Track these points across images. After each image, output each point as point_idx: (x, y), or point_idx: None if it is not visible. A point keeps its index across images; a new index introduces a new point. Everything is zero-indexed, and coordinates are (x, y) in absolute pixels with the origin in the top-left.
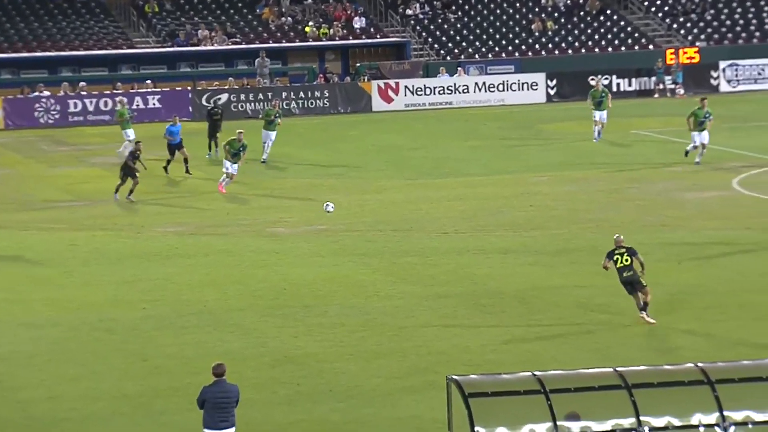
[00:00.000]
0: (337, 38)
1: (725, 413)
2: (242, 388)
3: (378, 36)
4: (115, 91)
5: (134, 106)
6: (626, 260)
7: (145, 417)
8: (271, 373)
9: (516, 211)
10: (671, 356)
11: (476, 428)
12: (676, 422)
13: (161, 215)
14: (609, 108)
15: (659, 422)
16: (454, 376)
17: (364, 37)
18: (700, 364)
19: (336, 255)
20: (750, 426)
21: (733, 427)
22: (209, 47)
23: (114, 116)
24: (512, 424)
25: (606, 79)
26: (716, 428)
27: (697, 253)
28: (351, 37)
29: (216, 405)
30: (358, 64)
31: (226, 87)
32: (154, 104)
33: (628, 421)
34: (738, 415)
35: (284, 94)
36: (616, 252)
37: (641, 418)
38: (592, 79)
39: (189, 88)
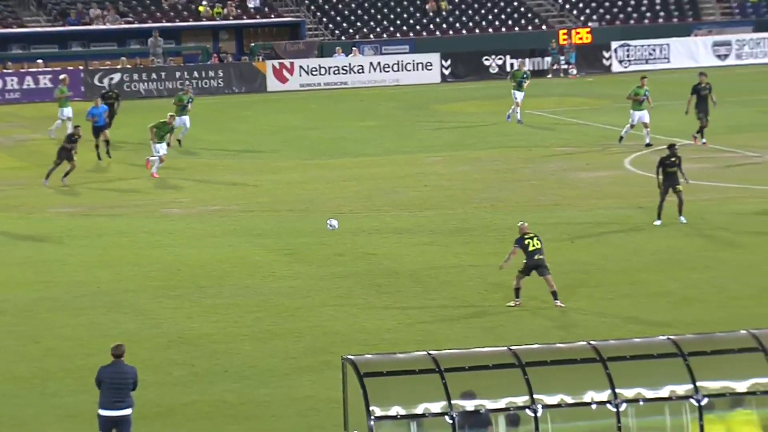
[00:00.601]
0: (231, 18)
1: (617, 390)
2: (137, 370)
3: (272, 16)
4: (5, 70)
5: (25, 86)
6: (536, 244)
7: (38, 399)
8: (166, 354)
9: (411, 191)
10: (564, 334)
11: (371, 407)
12: (569, 399)
13: (53, 196)
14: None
15: (552, 400)
16: (350, 356)
17: (258, 16)
18: (592, 342)
19: (231, 236)
20: (641, 403)
21: (624, 404)
22: (101, 26)
23: (55, 94)
24: (407, 403)
25: (500, 59)
26: (608, 405)
27: (590, 231)
28: (245, 17)
29: (112, 386)
30: (253, 44)
31: (118, 66)
32: (45, 84)
33: (522, 399)
34: (629, 393)
35: (178, 74)
36: (526, 237)
37: (535, 395)
38: (519, 61)
39: (81, 67)
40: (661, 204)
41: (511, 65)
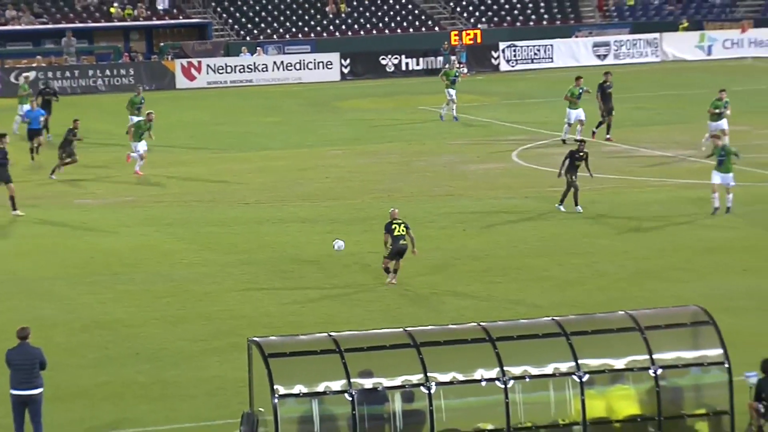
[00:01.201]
0: (141, 19)
1: (505, 368)
2: (52, 353)
3: (181, 17)
4: None
5: None
6: (402, 230)
7: None
8: (81, 338)
9: (313, 182)
10: (455, 316)
11: (275, 386)
12: (461, 377)
13: None
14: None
15: (445, 377)
16: (255, 338)
17: (167, 18)
18: (482, 324)
19: (143, 225)
20: (527, 379)
21: (512, 381)
22: (16, 27)
23: (18, 91)
24: (309, 382)
25: (396, 58)
26: (497, 382)
27: (480, 220)
28: (155, 18)
29: (19, 366)
30: (162, 44)
31: (34, 65)
32: None
33: (417, 377)
34: (516, 370)
35: (91, 72)
36: (394, 223)
37: (429, 374)
38: (453, 59)
39: None
40: (567, 192)
41: (407, 64)
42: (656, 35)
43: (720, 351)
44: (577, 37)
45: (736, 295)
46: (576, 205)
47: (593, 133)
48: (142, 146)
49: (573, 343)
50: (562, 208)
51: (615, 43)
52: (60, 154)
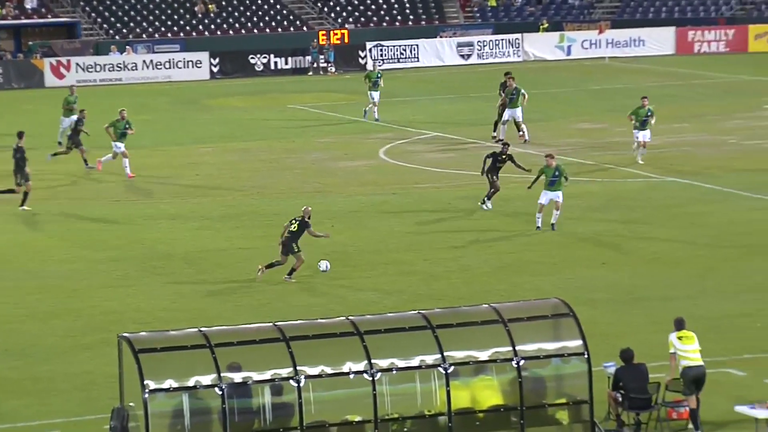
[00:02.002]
0: (9, 18)
1: (373, 361)
2: None
3: (49, 16)
4: None
5: None
6: (295, 227)
7: None
8: None
9: (184, 179)
10: (324, 311)
11: (145, 381)
12: (329, 370)
13: None
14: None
15: (314, 371)
16: (125, 334)
17: (35, 17)
18: (350, 317)
19: (13, 222)
20: (394, 372)
21: (379, 374)
22: None
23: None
24: (180, 376)
25: (264, 57)
26: (365, 375)
27: (350, 216)
28: (23, 17)
29: None
30: (31, 43)
31: None
32: None
33: (286, 371)
34: (384, 363)
35: None
36: (295, 218)
37: (298, 367)
38: (375, 61)
39: None
40: (491, 192)
41: (275, 63)
42: (518, 36)
43: (579, 342)
44: (441, 37)
45: (596, 287)
46: (487, 200)
47: (493, 137)
48: (122, 145)
49: (439, 335)
50: (487, 206)
51: (478, 43)
52: (69, 144)
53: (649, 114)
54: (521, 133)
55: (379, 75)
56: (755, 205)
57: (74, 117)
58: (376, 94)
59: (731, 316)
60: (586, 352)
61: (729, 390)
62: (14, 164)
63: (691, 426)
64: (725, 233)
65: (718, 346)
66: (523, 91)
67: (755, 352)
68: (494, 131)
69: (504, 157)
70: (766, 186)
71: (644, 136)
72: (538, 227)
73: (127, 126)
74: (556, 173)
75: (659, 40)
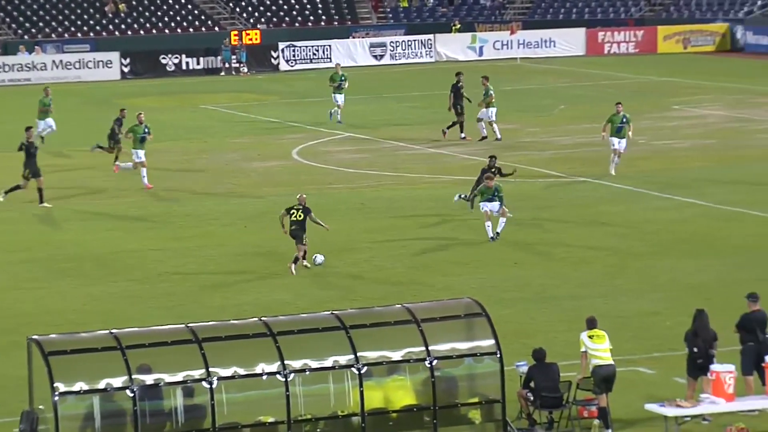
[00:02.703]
0: None
1: (286, 362)
2: None
3: None
4: None
5: None
6: (299, 216)
7: None
8: None
9: (96, 180)
10: (238, 312)
11: (56, 384)
12: (242, 371)
13: None
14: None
15: (227, 372)
16: (35, 336)
17: None
18: (263, 318)
19: None
20: (307, 372)
21: (292, 374)
22: None
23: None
24: (90, 378)
25: (176, 58)
26: (278, 376)
27: (263, 217)
28: None
29: None
30: None
31: None
32: None
33: (198, 372)
34: (297, 363)
35: None
36: (294, 208)
37: (210, 369)
38: (337, 65)
39: None
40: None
41: (187, 63)
42: (430, 36)
43: (492, 341)
44: (354, 37)
45: (508, 287)
46: (469, 204)
47: (444, 132)
48: (142, 155)
49: (352, 336)
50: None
51: (391, 44)
52: (111, 144)
53: (624, 121)
54: (484, 132)
55: (343, 77)
56: (664, 204)
57: (49, 120)
58: (340, 97)
59: (641, 315)
60: (498, 352)
61: (639, 388)
62: (26, 158)
63: (597, 422)
64: (635, 232)
65: (628, 344)
66: (491, 91)
67: (664, 350)
68: (461, 132)
69: (494, 170)
70: (674, 185)
71: (620, 144)
72: (491, 237)
73: (146, 130)
74: (495, 192)
75: (570, 41)
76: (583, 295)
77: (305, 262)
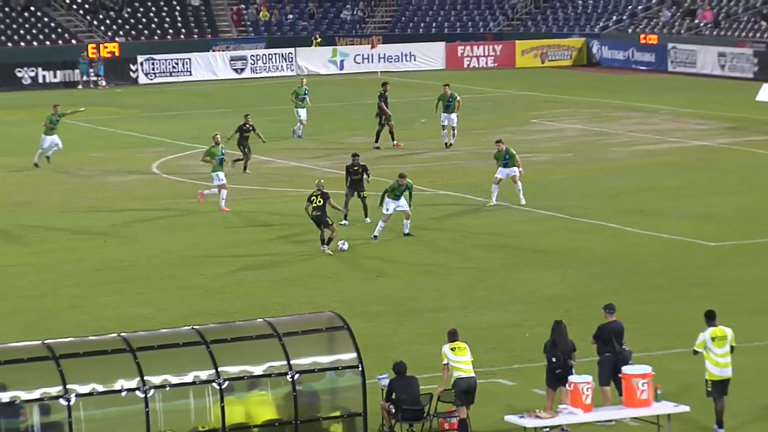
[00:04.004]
0: None
1: (145, 378)
2: None
3: None
4: None
5: None
6: (319, 201)
7: None
8: None
9: None
10: (97, 327)
11: None
12: (101, 388)
13: None
14: (309, 106)
15: (85, 389)
16: None
17: None
18: (123, 334)
19: None
20: (167, 388)
21: (152, 390)
22: None
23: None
24: None
25: (32, 71)
26: (137, 392)
27: (122, 231)
28: None
29: None
30: None
31: None
32: None
33: (56, 390)
34: (157, 379)
35: None
36: (314, 194)
37: (68, 385)
38: (302, 79)
39: None
40: (346, 204)
41: (44, 77)
42: (291, 50)
43: (354, 355)
44: (214, 51)
45: (370, 300)
46: (365, 216)
47: (396, 144)
48: (223, 176)
49: (213, 351)
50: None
51: (252, 57)
52: (242, 149)
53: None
54: (447, 139)
55: (306, 92)
56: (524, 217)
57: (55, 137)
58: (303, 112)
59: (501, 327)
60: (360, 365)
61: (499, 400)
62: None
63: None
64: (495, 245)
65: (488, 356)
66: (458, 98)
67: (524, 361)
68: (376, 141)
69: (356, 168)
70: (532, 198)
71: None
72: (374, 235)
73: (223, 152)
74: (406, 189)
75: (430, 55)
76: (444, 307)
77: (328, 249)
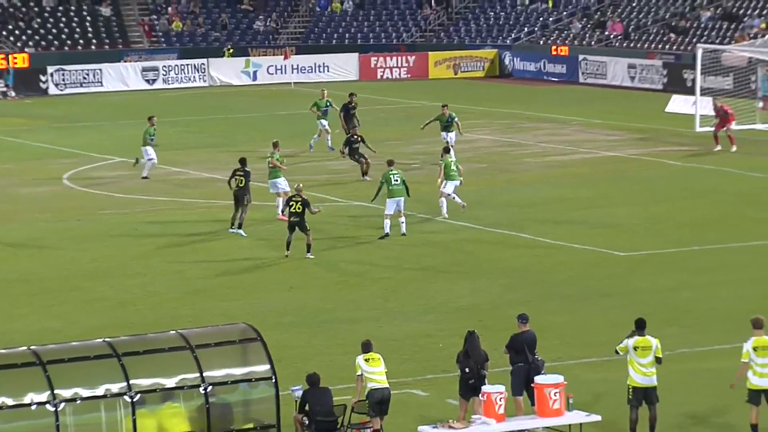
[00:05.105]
0: None
1: (56, 391)
2: None
3: None
4: None
5: None
6: (299, 208)
7: None
8: None
9: None
10: (7, 341)
11: None
12: (10, 401)
13: None
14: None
15: None
16: None
17: None
18: (32, 348)
19: None
20: (78, 402)
21: (63, 404)
22: None
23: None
24: None
25: None
26: (47, 406)
27: (32, 243)
28: None
29: None
30: None
31: None
32: None
33: None
34: (67, 393)
35: None
36: (293, 199)
37: None
38: (323, 91)
39: None
40: (235, 215)
41: None
42: (203, 61)
43: (267, 367)
44: (126, 61)
45: (284, 311)
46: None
47: (341, 152)
48: (282, 183)
49: (125, 363)
50: (232, 230)
51: (164, 68)
52: (356, 157)
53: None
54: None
55: (328, 103)
56: (438, 227)
57: (149, 149)
58: (325, 123)
59: (415, 337)
60: (273, 377)
61: (413, 410)
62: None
63: None
64: (408, 255)
65: (402, 367)
66: (456, 118)
67: (437, 372)
68: (342, 148)
69: (241, 174)
70: (448, 208)
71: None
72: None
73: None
74: (396, 179)
75: (343, 66)
76: (359, 318)
77: (309, 255)
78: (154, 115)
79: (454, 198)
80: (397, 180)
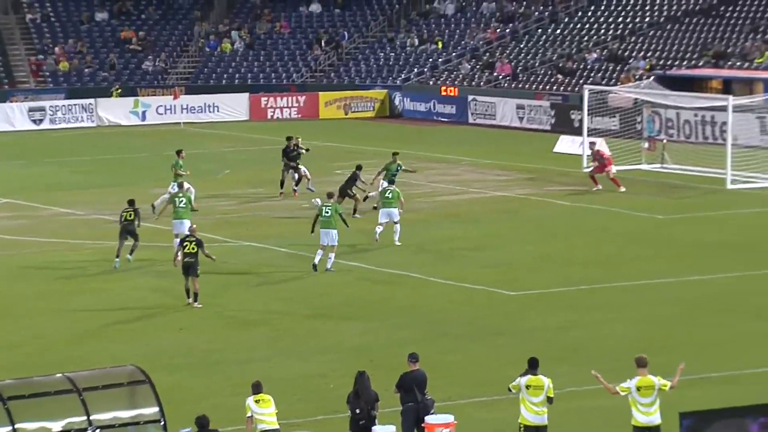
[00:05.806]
0: None
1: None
2: None
3: None
4: None
5: None
6: (193, 248)
7: None
8: None
9: None
10: None
11: None
12: None
13: None
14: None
15: None
16: None
17: None
18: None
19: None
20: None
21: None
22: None
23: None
24: None
25: None
26: None
27: None
28: None
29: None
30: None
31: None
32: None
33: None
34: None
35: None
36: (188, 239)
37: None
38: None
39: None
40: (120, 248)
41: None
42: (91, 101)
43: (156, 409)
44: (12, 101)
45: (174, 352)
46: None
47: (294, 191)
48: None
49: (10, 408)
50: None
51: (51, 108)
52: (352, 194)
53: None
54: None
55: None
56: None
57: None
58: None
59: (306, 377)
60: (162, 419)
61: None
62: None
63: None
64: (300, 295)
65: (293, 407)
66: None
67: (329, 412)
68: (281, 188)
69: (128, 211)
70: (338, 250)
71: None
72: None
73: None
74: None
75: (233, 106)
76: (249, 359)
77: (197, 304)
78: (181, 149)
79: (379, 229)
80: (328, 212)
